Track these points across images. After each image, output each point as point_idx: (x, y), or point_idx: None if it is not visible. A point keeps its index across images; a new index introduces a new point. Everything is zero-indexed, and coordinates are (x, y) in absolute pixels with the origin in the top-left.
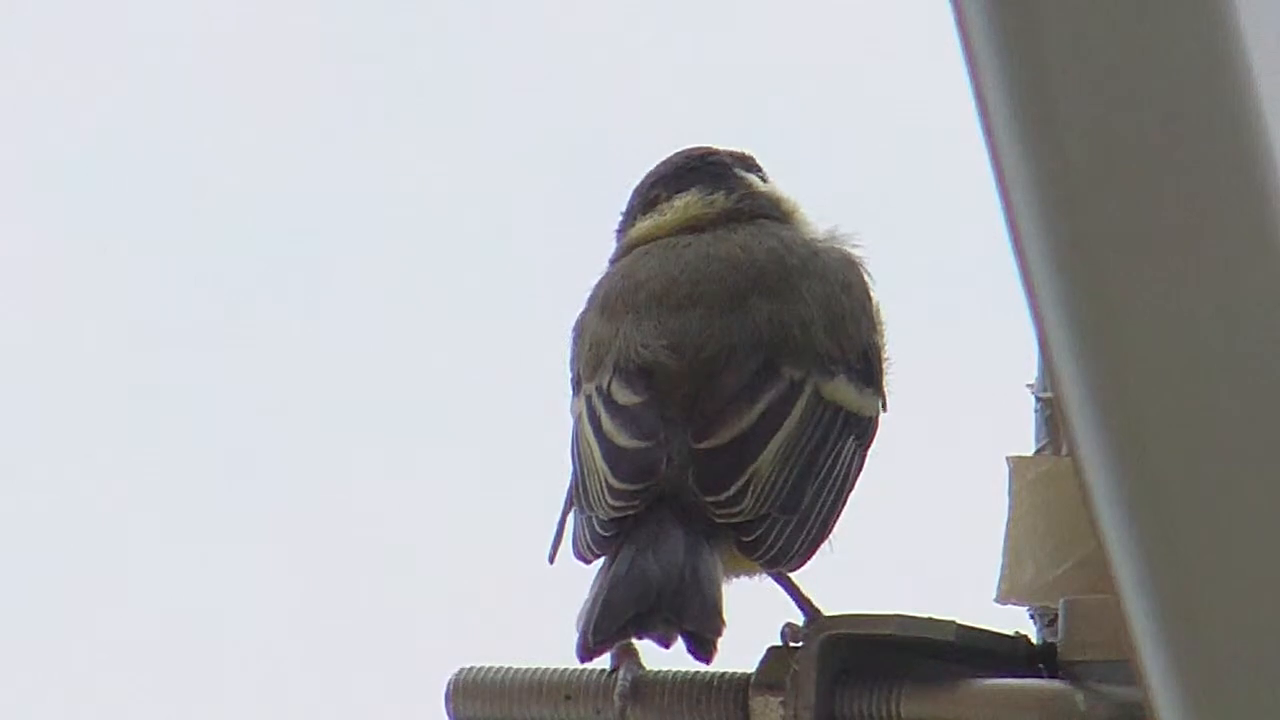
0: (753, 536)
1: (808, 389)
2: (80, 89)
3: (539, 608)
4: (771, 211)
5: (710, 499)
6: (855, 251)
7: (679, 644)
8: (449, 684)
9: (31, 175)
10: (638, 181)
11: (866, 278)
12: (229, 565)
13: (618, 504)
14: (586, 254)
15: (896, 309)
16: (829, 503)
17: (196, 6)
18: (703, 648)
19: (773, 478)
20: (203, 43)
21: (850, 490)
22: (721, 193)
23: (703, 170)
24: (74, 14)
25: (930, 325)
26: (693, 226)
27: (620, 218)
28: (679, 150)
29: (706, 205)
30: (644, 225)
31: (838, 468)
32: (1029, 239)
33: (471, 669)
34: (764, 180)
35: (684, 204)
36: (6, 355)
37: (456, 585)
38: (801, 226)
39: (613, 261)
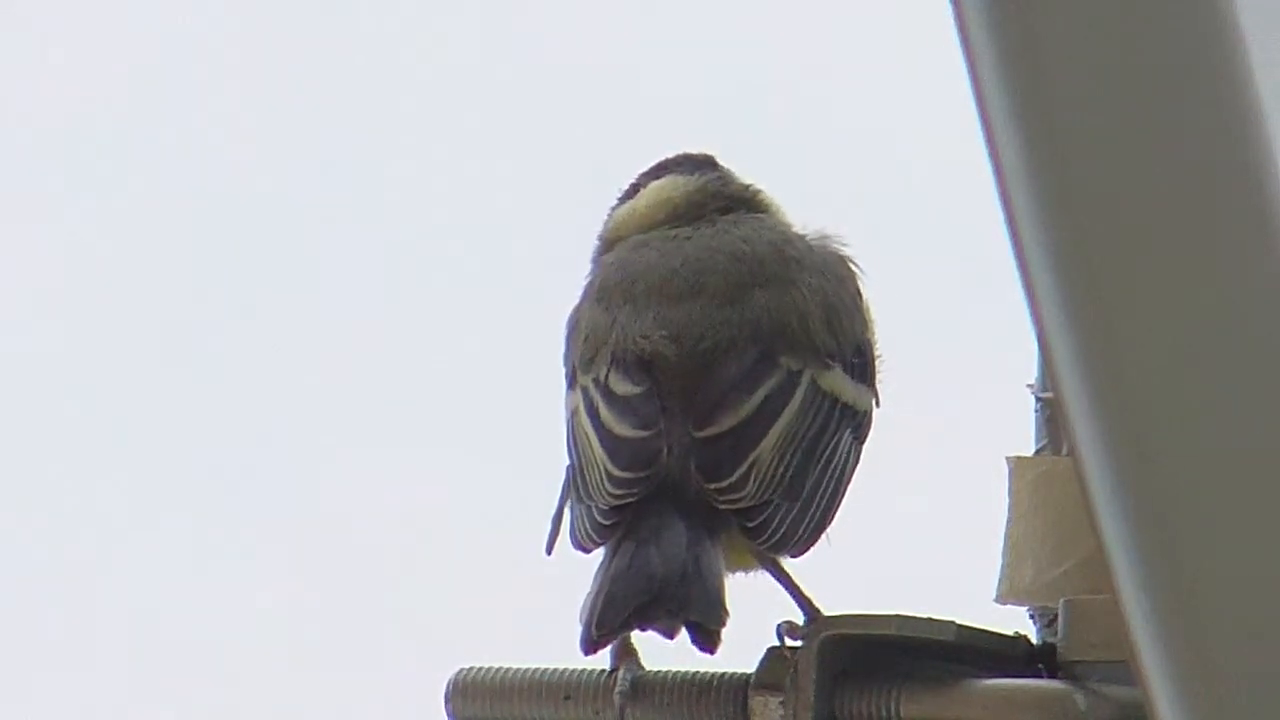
0: (756, 522)
1: (805, 379)
2: (76, 87)
3: (539, 608)
4: (747, 198)
5: (713, 486)
6: (844, 250)
7: (682, 637)
8: (449, 684)
9: (25, 173)
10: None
11: (857, 275)
12: (226, 565)
13: (618, 492)
14: (582, 250)
15: (897, 309)
16: (829, 491)
17: (195, 7)
18: (707, 639)
19: (774, 464)
20: (198, 42)
21: (849, 481)
22: (695, 176)
23: (684, 163)
24: (73, 12)
25: (930, 325)
26: (671, 211)
27: (607, 215)
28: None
29: (674, 188)
30: (620, 213)
31: (837, 457)
32: (1029, 239)
33: (471, 669)
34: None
35: (656, 186)
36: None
37: (456, 585)
38: (788, 222)
39: (596, 257)
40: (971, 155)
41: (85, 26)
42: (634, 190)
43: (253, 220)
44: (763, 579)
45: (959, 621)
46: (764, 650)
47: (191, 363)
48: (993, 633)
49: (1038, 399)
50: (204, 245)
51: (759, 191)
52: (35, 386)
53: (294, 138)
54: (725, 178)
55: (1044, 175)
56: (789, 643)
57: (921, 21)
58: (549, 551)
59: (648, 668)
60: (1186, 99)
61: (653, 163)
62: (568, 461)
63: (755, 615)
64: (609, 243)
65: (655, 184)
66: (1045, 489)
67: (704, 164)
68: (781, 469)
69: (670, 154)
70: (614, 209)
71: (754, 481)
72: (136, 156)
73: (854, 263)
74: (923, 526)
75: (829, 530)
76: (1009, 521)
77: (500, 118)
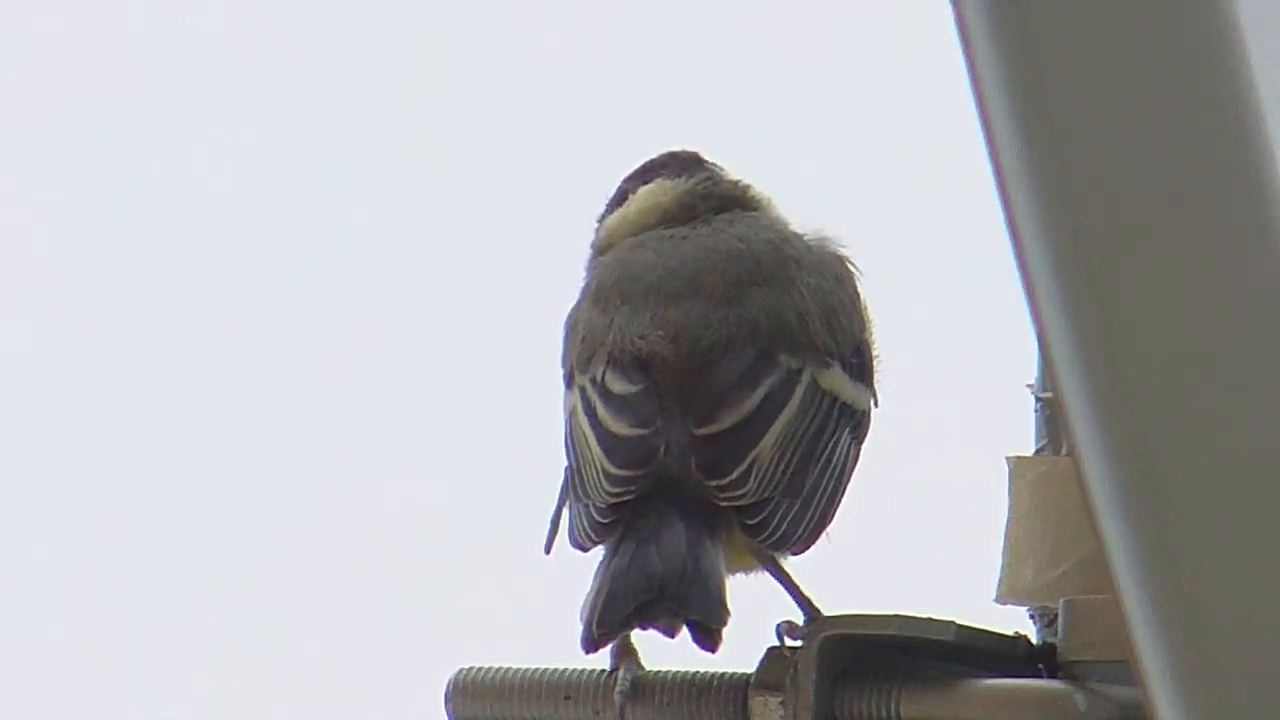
0: (756, 520)
1: (805, 378)
2: (76, 87)
3: (539, 608)
4: (737, 194)
5: (714, 483)
6: (842, 250)
7: (683, 636)
8: (449, 684)
9: (25, 173)
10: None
11: (855, 276)
12: (226, 565)
13: (615, 490)
14: (582, 249)
15: (897, 309)
16: (830, 489)
17: (195, 7)
18: (708, 637)
19: (775, 462)
20: (198, 42)
21: (848, 480)
22: (683, 178)
23: (670, 164)
24: (73, 12)
25: (930, 324)
26: (662, 215)
27: (597, 224)
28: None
29: (663, 192)
30: (611, 221)
31: (836, 455)
32: (1029, 239)
33: (471, 669)
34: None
35: (646, 192)
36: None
37: (456, 585)
38: (782, 219)
39: (589, 265)
40: (971, 155)
41: (85, 26)
42: (623, 196)
43: (253, 220)
44: (763, 579)
45: (959, 621)
46: (764, 650)
47: (191, 363)
48: (993, 633)
49: (1038, 399)
50: (204, 245)
51: (748, 187)
52: (35, 386)
53: (294, 138)
54: (714, 177)
55: (1044, 175)
56: (789, 643)
57: (921, 21)
58: (548, 551)
59: (648, 667)
60: (1186, 99)
61: (637, 166)
62: (566, 462)
63: (755, 615)
64: (602, 251)
65: (644, 189)
66: (1045, 489)
67: (690, 164)
68: (782, 467)
69: (654, 154)
70: (603, 217)
71: (754, 479)
72: (137, 156)
73: (852, 263)
74: (923, 526)
75: (829, 529)
76: (1009, 521)
77: (500, 117)
